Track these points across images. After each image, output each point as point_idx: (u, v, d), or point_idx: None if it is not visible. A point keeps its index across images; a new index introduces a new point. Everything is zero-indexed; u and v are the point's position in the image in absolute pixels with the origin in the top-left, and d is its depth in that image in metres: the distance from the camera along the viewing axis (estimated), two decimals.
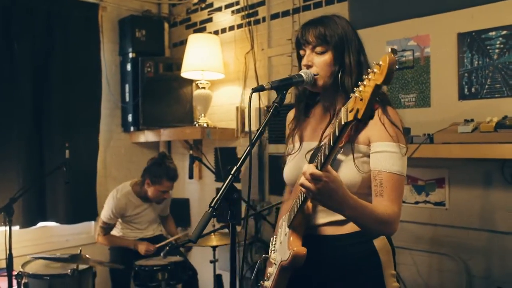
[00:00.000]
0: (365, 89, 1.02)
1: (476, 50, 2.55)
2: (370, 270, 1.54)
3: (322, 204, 1.36)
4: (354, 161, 1.49)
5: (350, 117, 1.07)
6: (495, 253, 2.52)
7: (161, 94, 4.06)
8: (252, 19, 3.78)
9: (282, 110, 1.51)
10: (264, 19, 3.70)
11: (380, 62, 0.98)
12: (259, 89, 1.49)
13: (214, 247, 3.22)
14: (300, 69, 1.65)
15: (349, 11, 3.03)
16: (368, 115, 1.03)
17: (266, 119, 1.48)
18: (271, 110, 1.48)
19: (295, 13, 3.46)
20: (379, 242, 1.55)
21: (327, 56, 1.57)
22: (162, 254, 2.94)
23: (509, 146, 2.16)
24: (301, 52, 1.64)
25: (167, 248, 2.94)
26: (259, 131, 1.48)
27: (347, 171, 1.49)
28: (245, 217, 3.42)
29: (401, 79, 2.80)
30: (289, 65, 3.47)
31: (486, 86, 2.51)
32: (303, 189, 1.30)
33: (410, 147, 2.41)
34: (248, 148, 1.44)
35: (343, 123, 1.11)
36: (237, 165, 1.41)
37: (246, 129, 3.81)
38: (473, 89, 2.56)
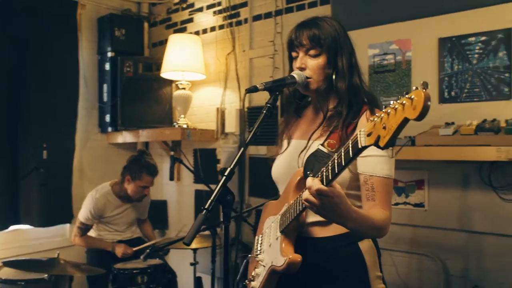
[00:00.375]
0: (392, 119, 1.00)
1: (456, 55, 2.61)
2: (356, 272, 1.55)
3: (325, 218, 1.36)
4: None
5: (370, 141, 1.07)
6: (472, 253, 2.58)
7: (140, 95, 4.01)
8: (234, 20, 3.78)
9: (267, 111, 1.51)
10: (246, 20, 3.70)
11: (413, 96, 0.96)
12: (252, 89, 1.49)
13: (194, 250, 3.20)
14: (291, 70, 1.65)
15: (332, 14, 3.06)
16: (391, 144, 1.03)
17: (260, 120, 1.48)
18: (264, 111, 1.48)
19: (277, 15, 3.48)
20: (365, 244, 1.56)
21: (321, 59, 1.58)
22: (142, 257, 2.90)
23: (488, 148, 2.22)
24: (293, 54, 1.64)
25: (148, 251, 2.91)
26: (252, 132, 1.47)
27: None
28: (224, 219, 3.40)
29: (383, 82, 2.84)
30: (270, 67, 3.48)
31: (466, 90, 2.57)
32: (306, 203, 1.30)
33: (393, 149, 2.45)
34: (242, 149, 1.45)
35: (360, 146, 1.11)
36: (231, 166, 1.41)
37: (226, 130, 3.81)
38: (453, 93, 2.62)
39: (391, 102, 1.02)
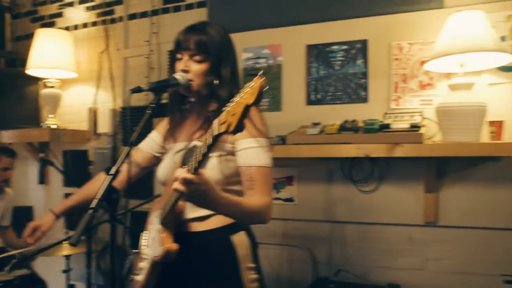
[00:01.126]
0: (237, 106, 1.11)
1: (322, 61, 2.86)
2: (228, 263, 1.63)
3: (196, 205, 1.41)
4: (219, 158, 1.58)
5: (222, 129, 1.15)
6: (336, 241, 2.85)
7: (2, 92, 3.70)
8: (108, 17, 3.68)
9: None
10: (121, 18, 3.63)
11: (252, 84, 1.09)
12: (137, 90, 1.49)
13: (67, 256, 3.04)
14: (172, 70, 1.69)
15: (209, 17, 3.15)
16: (239, 129, 1.13)
17: (144, 120, 1.49)
18: (149, 111, 1.50)
19: (154, 15, 3.47)
20: (237, 238, 1.65)
21: (204, 66, 1.63)
22: (7, 268, 2.68)
23: (349, 146, 2.48)
24: (178, 55, 1.67)
25: (14, 261, 2.69)
26: (137, 131, 1.48)
27: (214, 169, 1.58)
28: (111, 219, 3.29)
29: None
30: (146, 67, 3.46)
31: (329, 93, 2.84)
32: (176, 192, 1.34)
33: None
34: (128, 149, 1.45)
35: (216, 133, 1.19)
36: (117, 166, 1.40)
37: (99, 130, 3.69)
38: (318, 96, 2.87)
39: (240, 92, 1.14)
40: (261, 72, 1.10)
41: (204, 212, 1.57)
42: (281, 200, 2.96)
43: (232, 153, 1.60)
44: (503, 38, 2.50)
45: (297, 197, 2.93)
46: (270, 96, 2.96)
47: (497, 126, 2.44)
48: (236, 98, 1.12)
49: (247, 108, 1.10)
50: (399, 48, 2.70)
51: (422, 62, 2.58)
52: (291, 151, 2.62)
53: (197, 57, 1.63)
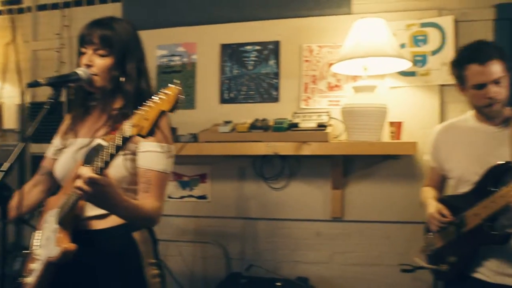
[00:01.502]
0: (151, 111, 1.12)
1: (236, 60, 2.91)
2: (131, 259, 1.63)
3: (96, 205, 1.39)
4: (123, 158, 1.57)
5: (134, 132, 1.16)
6: (248, 237, 2.91)
7: None
8: (15, 7, 3.48)
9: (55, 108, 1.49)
10: (29, 9, 3.45)
11: (168, 92, 1.11)
12: (34, 84, 1.44)
13: None
14: (78, 65, 1.64)
15: (123, 12, 3.09)
16: (151, 133, 1.14)
17: (41, 116, 1.44)
18: (47, 107, 1.45)
19: (65, 7, 3.34)
20: (139, 235, 1.65)
21: (108, 60, 1.60)
22: None
23: (259, 144, 2.54)
24: (83, 49, 1.63)
25: None
26: (33, 127, 1.43)
27: (118, 168, 1.56)
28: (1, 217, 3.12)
29: (170, 82, 2.97)
30: (56, 61, 3.32)
31: (243, 92, 2.89)
32: (78, 191, 1.31)
33: (177, 146, 2.62)
34: (22, 144, 1.40)
35: (126, 136, 1.18)
36: (10, 162, 1.35)
37: (5, 126, 3.50)
38: (231, 94, 2.91)
39: (153, 97, 1.15)
40: (178, 82, 1.13)
41: (104, 210, 1.54)
42: (194, 197, 2.97)
43: (135, 153, 1.59)
44: (403, 45, 2.68)
45: (210, 194, 2.96)
46: (184, 94, 2.95)
47: (396, 126, 2.61)
48: (150, 103, 1.12)
49: (160, 114, 1.11)
50: (309, 50, 2.81)
51: (331, 65, 2.70)
52: (203, 148, 2.64)
53: (101, 51, 1.60)
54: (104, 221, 1.60)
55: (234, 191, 2.92)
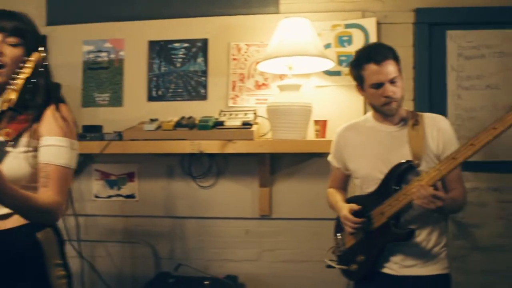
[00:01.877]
0: (18, 81, 1.09)
1: (164, 57, 2.87)
2: (33, 260, 1.59)
3: None
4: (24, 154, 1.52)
5: (5, 106, 1.12)
6: (177, 236, 2.89)
7: None
8: None
9: None
10: None
11: (30, 58, 1.08)
12: None
13: None
14: None
15: (47, 6, 2.99)
16: (21, 104, 1.11)
17: None
18: None
19: None
20: (43, 235, 1.60)
21: (20, 50, 1.55)
22: None
23: (184, 142, 2.52)
24: None
25: None
26: None
27: (16, 164, 1.51)
28: None
29: (97, 79, 2.92)
30: None
31: (171, 90, 2.86)
32: None
33: (102, 144, 2.56)
34: None
35: None
36: None
37: None
38: (159, 92, 2.88)
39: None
40: (42, 49, 1.19)
41: (6, 210, 1.49)
42: (122, 196, 2.92)
43: (37, 149, 1.55)
44: (328, 45, 2.73)
45: (138, 193, 2.91)
46: (111, 91, 2.90)
47: (321, 125, 2.66)
48: (19, 75, 1.14)
49: (26, 82, 1.12)
50: (237, 49, 2.81)
51: (258, 63, 2.71)
52: (128, 147, 2.59)
53: (12, 39, 1.54)
54: (6, 221, 1.55)
55: (162, 190, 2.89)
